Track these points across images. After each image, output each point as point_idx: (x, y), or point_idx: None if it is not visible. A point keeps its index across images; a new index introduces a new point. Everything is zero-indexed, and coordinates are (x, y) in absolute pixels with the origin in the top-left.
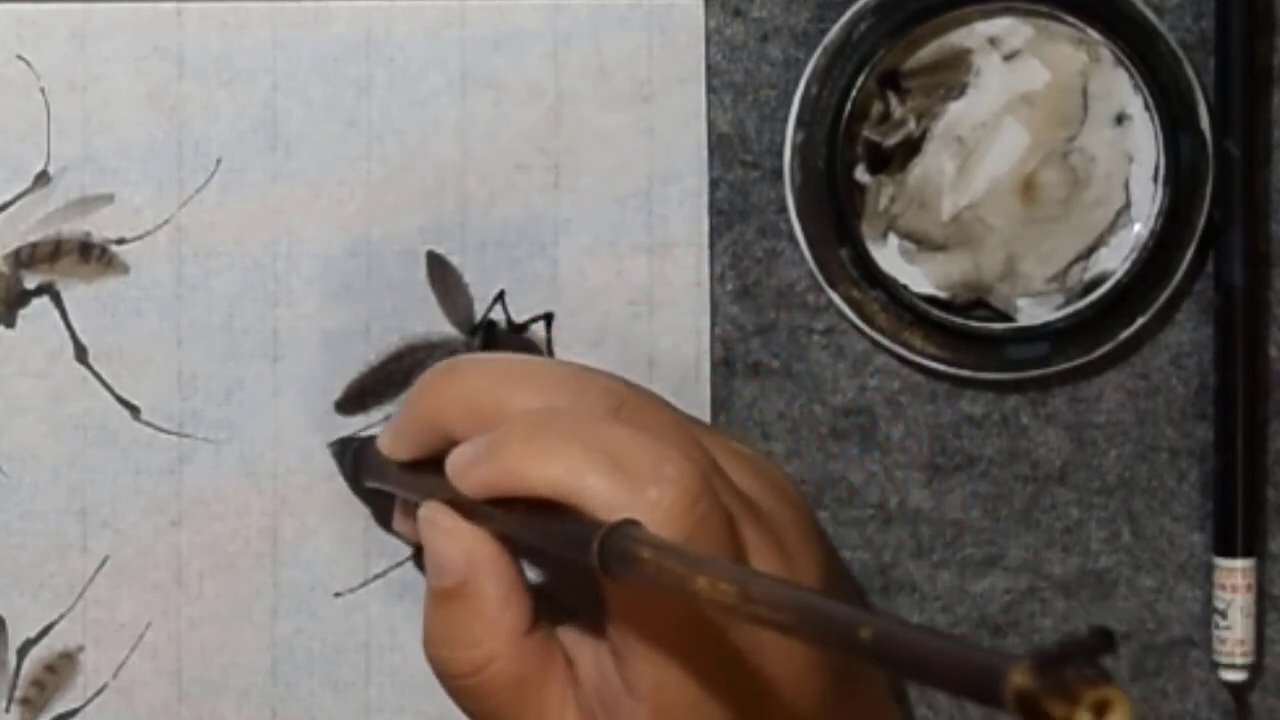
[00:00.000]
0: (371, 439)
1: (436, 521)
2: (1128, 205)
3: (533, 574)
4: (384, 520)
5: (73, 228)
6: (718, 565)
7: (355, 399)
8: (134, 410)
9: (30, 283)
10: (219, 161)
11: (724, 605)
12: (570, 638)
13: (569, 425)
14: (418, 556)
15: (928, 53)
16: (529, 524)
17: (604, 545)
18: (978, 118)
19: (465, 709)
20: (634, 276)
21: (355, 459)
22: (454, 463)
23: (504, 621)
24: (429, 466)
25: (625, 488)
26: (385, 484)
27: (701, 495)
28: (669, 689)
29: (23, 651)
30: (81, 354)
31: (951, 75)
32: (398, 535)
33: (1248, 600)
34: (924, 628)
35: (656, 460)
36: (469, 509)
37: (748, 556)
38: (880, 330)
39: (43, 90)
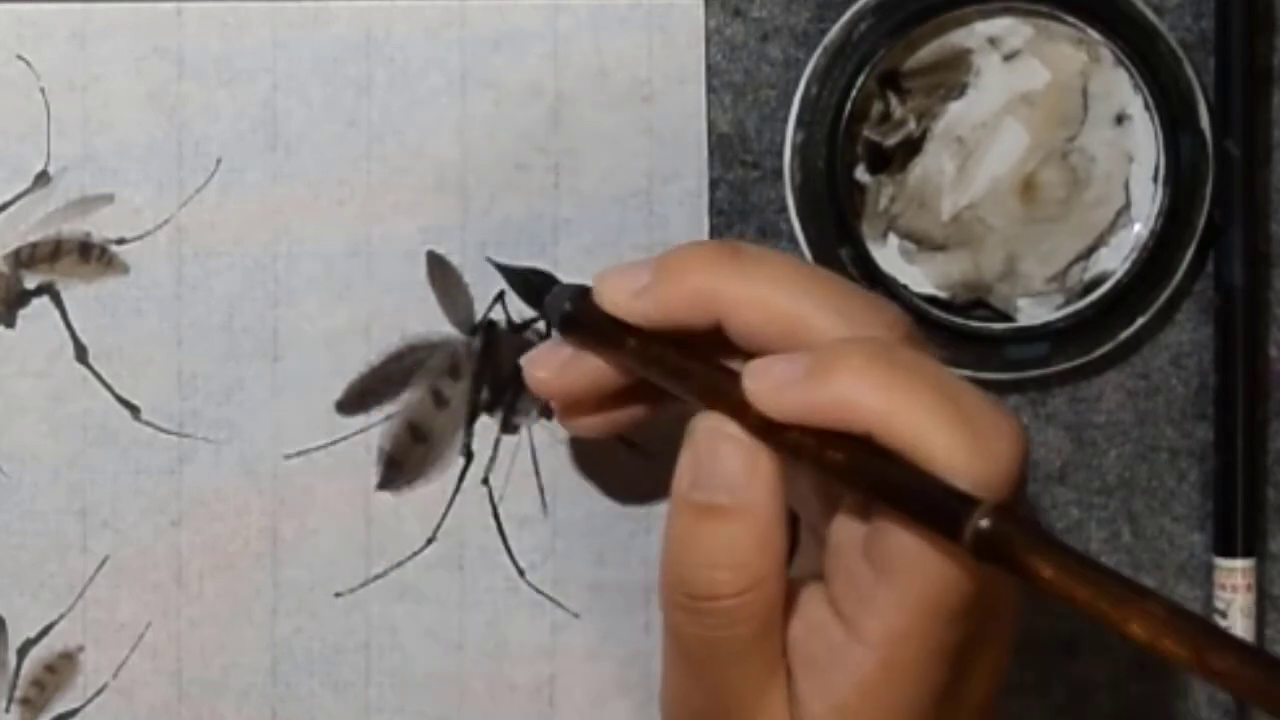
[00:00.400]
0: (587, 289)
1: (724, 431)
2: (1128, 205)
3: None
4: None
5: (73, 228)
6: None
7: (355, 399)
8: (134, 410)
9: (30, 283)
10: (219, 161)
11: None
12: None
13: (911, 364)
14: (545, 410)
15: (928, 53)
16: (859, 464)
17: (983, 527)
18: (978, 118)
19: (691, 639)
20: None
21: (574, 304)
22: (764, 378)
23: (777, 545)
24: (665, 341)
25: (970, 444)
26: (611, 351)
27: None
28: (907, 642)
29: (23, 651)
30: (81, 354)
31: (951, 75)
32: (532, 384)
33: (1248, 600)
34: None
35: (997, 415)
36: (757, 425)
37: None
38: None
39: (43, 90)
